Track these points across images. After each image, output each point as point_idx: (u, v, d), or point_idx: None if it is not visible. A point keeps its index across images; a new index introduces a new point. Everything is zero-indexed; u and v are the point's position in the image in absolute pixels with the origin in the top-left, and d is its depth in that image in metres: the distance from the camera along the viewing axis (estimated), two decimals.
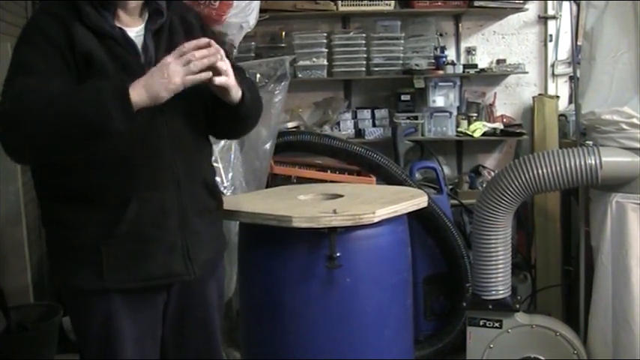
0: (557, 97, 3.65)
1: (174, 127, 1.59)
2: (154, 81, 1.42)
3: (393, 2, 3.68)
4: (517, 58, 3.92)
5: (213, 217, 1.74)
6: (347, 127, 3.77)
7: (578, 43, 3.10)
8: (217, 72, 1.50)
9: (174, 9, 1.67)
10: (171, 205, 1.56)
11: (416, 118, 3.70)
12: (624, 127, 2.42)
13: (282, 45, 3.73)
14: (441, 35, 3.89)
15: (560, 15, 3.89)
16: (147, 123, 1.51)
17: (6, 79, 1.48)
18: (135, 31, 1.58)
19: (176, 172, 1.58)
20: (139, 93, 1.41)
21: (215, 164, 2.65)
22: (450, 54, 3.89)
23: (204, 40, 1.47)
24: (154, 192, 1.55)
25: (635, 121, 2.39)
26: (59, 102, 1.39)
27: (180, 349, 1.72)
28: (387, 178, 3.15)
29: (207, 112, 1.68)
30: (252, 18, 2.81)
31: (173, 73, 1.42)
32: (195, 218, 1.62)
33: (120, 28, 1.55)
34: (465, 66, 3.75)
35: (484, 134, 3.70)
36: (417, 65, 3.68)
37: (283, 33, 3.75)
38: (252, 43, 3.61)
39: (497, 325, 2.56)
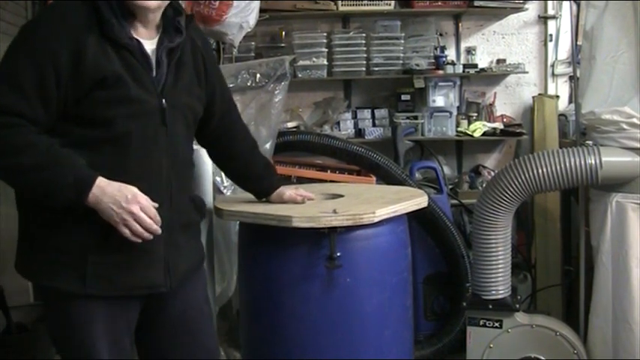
0: (557, 96, 3.65)
1: (173, 143, 1.61)
2: (109, 203, 1.46)
3: (392, 2, 3.68)
4: (517, 57, 3.92)
5: (195, 230, 1.79)
6: (347, 127, 3.77)
7: (578, 43, 3.10)
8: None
9: (189, 29, 1.67)
10: (162, 219, 1.57)
11: (416, 118, 3.70)
12: (624, 127, 2.42)
13: (282, 45, 3.73)
14: (440, 35, 3.89)
15: (560, 15, 3.89)
16: (150, 138, 1.54)
17: None
18: (149, 44, 1.57)
19: (170, 188, 1.60)
20: (94, 197, 1.45)
21: None
22: (450, 54, 3.89)
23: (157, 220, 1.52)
24: None
25: (635, 121, 2.39)
26: (30, 158, 1.42)
27: (171, 347, 1.73)
28: (387, 178, 3.15)
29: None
30: (252, 18, 2.81)
31: (122, 216, 1.46)
32: (179, 232, 1.65)
33: (137, 41, 1.53)
34: (464, 66, 3.75)
35: (484, 134, 3.69)
36: (417, 65, 3.68)
37: (283, 33, 3.75)
38: (252, 43, 3.62)
39: (497, 325, 2.56)
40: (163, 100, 1.56)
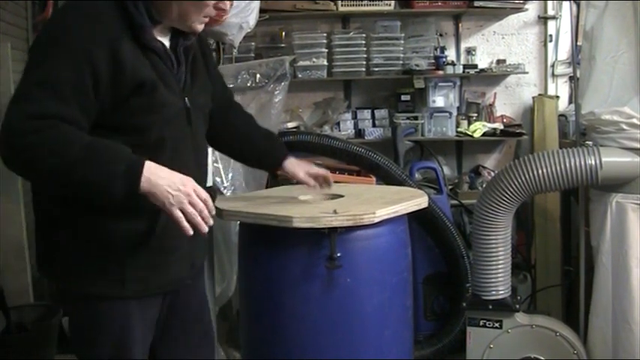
0: (557, 97, 3.65)
1: (196, 139, 1.63)
2: (164, 185, 1.38)
3: (392, 2, 3.68)
4: (517, 58, 3.92)
5: None
6: (347, 128, 3.78)
7: (578, 43, 3.10)
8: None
9: None
10: None
11: (416, 118, 3.70)
12: (624, 127, 2.42)
13: (282, 45, 3.74)
14: (440, 35, 3.90)
15: (560, 15, 3.90)
16: (179, 140, 1.54)
17: (24, 84, 1.37)
18: (165, 42, 1.56)
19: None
20: (148, 181, 1.37)
21: (215, 164, 2.65)
22: (450, 54, 3.89)
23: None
24: None
25: (635, 121, 2.39)
26: (74, 154, 1.33)
27: (177, 343, 1.75)
28: (386, 178, 3.14)
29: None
30: (252, 18, 2.81)
31: (179, 199, 1.39)
32: None
33: (161, 42, 1.52)
34: (464, 66, 3.76)
35: (484, 134, 3.70)
36: (416, 65, 3.68)
37: (283, 33, 3.76)
38: (252, 43, 3.63)
39: (497, 325, 2.56)
40: (186, 100, 1.57)
